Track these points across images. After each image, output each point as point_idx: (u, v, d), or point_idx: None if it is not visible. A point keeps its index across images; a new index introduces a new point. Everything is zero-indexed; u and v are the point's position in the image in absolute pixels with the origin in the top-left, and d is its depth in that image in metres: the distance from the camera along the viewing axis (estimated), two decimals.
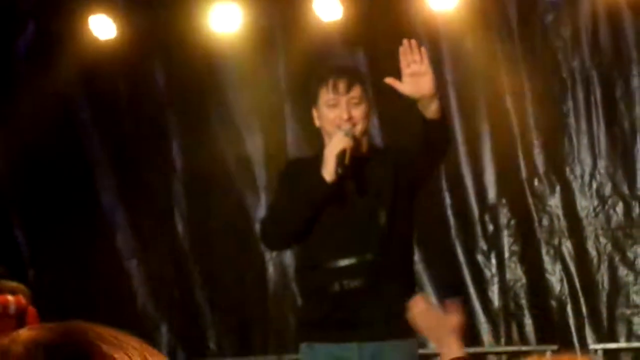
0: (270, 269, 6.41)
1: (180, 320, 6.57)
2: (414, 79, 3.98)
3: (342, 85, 4.07)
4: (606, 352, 5.89)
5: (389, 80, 4.03)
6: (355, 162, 3.94)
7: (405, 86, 3.99)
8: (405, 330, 3.57)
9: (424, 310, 2.97)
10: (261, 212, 6.15)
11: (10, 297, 5.12)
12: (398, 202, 3.92)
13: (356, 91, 4.07)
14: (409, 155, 4.00)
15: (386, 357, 3.82)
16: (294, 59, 6.29)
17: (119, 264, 6.61)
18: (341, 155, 3.89)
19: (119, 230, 6.66)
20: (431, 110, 3.93)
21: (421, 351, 4.27)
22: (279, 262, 6.42)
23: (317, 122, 4.10)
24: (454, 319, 2.88)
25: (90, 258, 6.57)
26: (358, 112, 4.03)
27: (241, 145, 6.50)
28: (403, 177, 3.95)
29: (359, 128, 4.01)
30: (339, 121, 4.00)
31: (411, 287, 3.92)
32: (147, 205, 6.63)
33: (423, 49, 3.96)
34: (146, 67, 6.60)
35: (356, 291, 3.83)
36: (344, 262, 3.87)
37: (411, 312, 2.97)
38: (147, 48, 6.52)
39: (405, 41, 3.97)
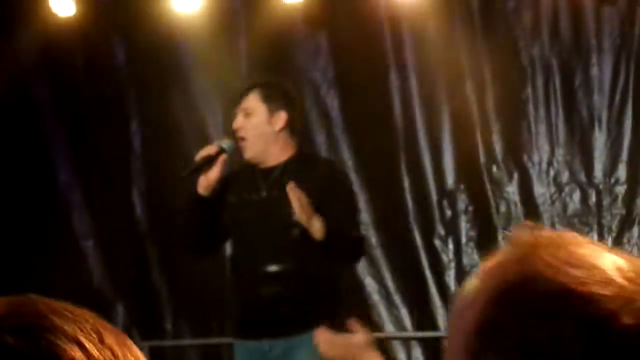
0: (228, 250, 6.39)
1: (137, 301, 6.54)
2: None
3: (236, 96, 4.12)
4: None
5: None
6: (266, 171, 3.96)
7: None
8: (315, 324, 3.70)
9: (328, 339, 3.00)
10: None
11: None
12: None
13: (248, 101, 4.05)
14: (326, 194, 3.95)
15: (296, 351, 3.94)
16: (256, 40, 6.27)
17: (75, 244, 6.57)
18: (200, 162, 3.96)
19: (75, 209, 6.61)
20: (312, 232, 3.89)
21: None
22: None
23: None
24: (361, 336, 2.90)
25: (46, 237, 6.52)
26: (244, 124, 4.00)
27: (202, 125, 6.47)
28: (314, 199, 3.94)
29: (245, 142, 4.00)
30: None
31: (326, 293, 3.99)
32: (104, 184, 6.58)
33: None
34: (106, 44, 6.55)
35: (273, 297, 3.89)
36: (264, 269, 3.92)
37: (318, 345, 3.01)
38: (106, 26, 6.46)
39: None
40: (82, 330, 0.85)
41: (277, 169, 4.04)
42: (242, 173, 4.17)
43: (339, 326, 4.00)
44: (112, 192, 6.58)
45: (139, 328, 6.48)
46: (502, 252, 1.00)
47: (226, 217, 4.06)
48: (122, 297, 6.54)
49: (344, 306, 4.08)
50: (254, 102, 4.07)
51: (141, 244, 6.52)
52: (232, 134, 4.16)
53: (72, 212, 6.60)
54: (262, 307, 3.94)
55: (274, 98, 4.09)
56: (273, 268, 3.92)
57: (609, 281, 0.94)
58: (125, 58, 6.57)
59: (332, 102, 6.32)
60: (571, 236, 1.00)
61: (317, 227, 3.86)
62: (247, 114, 4.05)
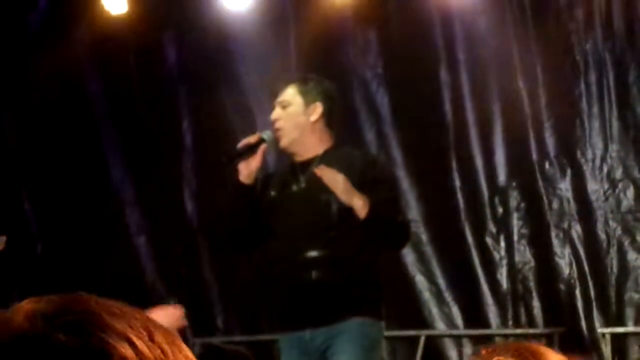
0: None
1: (188, 298, 6.57)
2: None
3: (275, 89, 4.22)
4: (614, 336, 5.88)
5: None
6: (304, 164, 4.06)
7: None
8: (355, 311, 3.85)
9: None
10: None
11: None
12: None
13: (285, 94, 4.15)
14: (366, 183, 4.01)
15: (336, 340, 3.97)
16: (306, 37, 6.27)
17: (128, 240, 6.62)
18: (241, 150, 4.08)
19: (127, 206, 6.66)
20: (355, 209, 3.96)
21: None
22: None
23: None
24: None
25: (99, 233, 6.58)
26: (281, 115, 4.10)
27: (252, 122, 6.49)
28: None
29: (281, 131, 4.09)
30: None
31: (366, 279, 4.02)
32: (156, 181, 6.62)
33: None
34: (157, 42, 6.59)
35: (314, 283, 3.92)
36: (304, 255, 3.95)
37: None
38: (158, 23, 6.50)
39: None
40: (132, 328, 0.86)
41: (315, 160, 4.11)
42: (282, 170, 4.30)
43: (379, 314, 4.04)
44: (164, 188, 6.62)
45: (191, 325, 6.51)
46: None
47: (267, 212, 4.12)
48: (173, 293, 6.58)
49: (384, 294, 4.12)
50: (290, 95, 4.15)
51: (192, 240, 6.56)
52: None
53: (125, 208, 6.66)
54: (303, 294, 4.00)
55: (310, 91, 4.16)
56: (313, 254, 3.98)
57: None
58: (177, 55, 6.61)
59: (382, 99, 6.30)
60: None
61: (360, 205, 3.91)
62: (284, 106, 4.14)
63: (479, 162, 6.18)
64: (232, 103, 6.55)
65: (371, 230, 3.97)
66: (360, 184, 3.96)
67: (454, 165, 6.19)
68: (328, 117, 4.16)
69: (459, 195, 6.18)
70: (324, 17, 6.16)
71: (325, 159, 4.09)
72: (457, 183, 6.18)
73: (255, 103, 6.51)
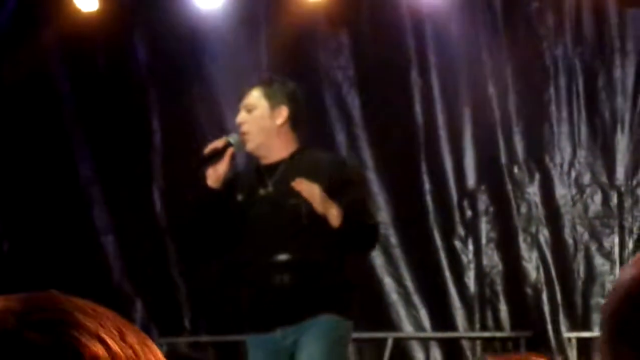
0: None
1: (156, 298, 6.55)
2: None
3: (241, 94, 4.22)
4: (580, 340, 5.92)
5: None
6: (270, 167, 4.07)
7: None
8: (324, 308, 3.89)
9: None
10: None
11: None
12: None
13: (250, 98, 4.15)
14: (334, 185, 4.02)
15: (304, 333, 4.01)
16: (277, 38, 6.26)
17: (95, 239, 6.59)
18: (209, 155, 4.06)
19: (95, 205, 6.62)
20: (330, 220, 3.98)
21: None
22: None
23: None
24: None
25: (66, 232, 6.54)
26: (246, 118, 4.09)
27: (222, 122, 6.48)
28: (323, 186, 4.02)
29: (246, 135, 4.10)
30: None
31: (336, 281, 4.05)
32: (124, 180, 6.59)
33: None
34: (127, 40, 6.56)
35: (284, 286, 3.93)
36: (273, 259, 3.98)
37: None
38: (129, 21, 6.47)
39: None
40: (104, 328, 0.85)
41: (281, 164, 4.12)
42: (248, 172, 4.30)
43: (348, 314, 4.05)
44: (132, 188, 6.59)
45: (158, 325, 6.49)
46: None
47: (235, 216, 4.12)
48: (140, 293, 6.56)
49: (355, 295, 4.13)
50: (255, 98, 4.16)
51: (160, 240, 6.53)
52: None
53: (93, 207, 6.62)
54: (272, 296, 4.02)
55: (276, 94, 4.16)
56: (282, 257, 3.99)
57: None
58: (146, 54, 6.59)
59: (353, 101, 6.31)
60: None
61: (334, 215, 3.93)
62: (249, 110, 4.14)
63: (448, 165, 6.20)
64: (202, 103, 6.53)
65: (341, 234, 3.98)
66: (328, 187, 3.98)
67: (424, 167, 6.21)
68: (294, 120, 4.18)
69: (428, 198, 6.20)
70: (296, 18, 6.16)
71: (292, 162, 4.11)
72: (427, 186, 6.20)
73: (226, 103, 6.50)
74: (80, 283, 6.33)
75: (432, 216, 6.19)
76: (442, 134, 6.20)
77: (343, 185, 4.03)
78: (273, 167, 4.13)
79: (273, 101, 4.13)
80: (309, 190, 3.92)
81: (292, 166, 4.08)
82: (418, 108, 6.23)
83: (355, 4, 6.19)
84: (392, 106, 6.26)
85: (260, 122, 4.09)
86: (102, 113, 6.62)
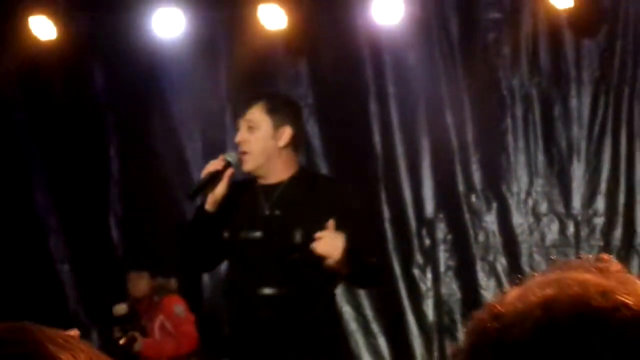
0: (206, 278, 6.36)
1: (112, 327, 6.49)
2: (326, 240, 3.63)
3: (241, 106, 3.85)
4: None
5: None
6: (268, 188, 3.79)
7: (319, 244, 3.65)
8: (309, 352, 3.59)
9: None
10: None
11: None
12: (314, 226, 3.64)
13: (252, 114, 3.82)
14: (339, 214, 3.64)
15: None
16: (236, 66, 6.27)
17: (51, 268, 6.52)
18: (207, 179, 3.71)
19: (51, 233, 6.56)
20: (341, 272, 3.64)
21: None
22: (216, 271, 6.37)
23: None
24: None
25: (22, 260, 6.46)
26: (248, 138, 3.78)
27: (180, 150, 6.45)
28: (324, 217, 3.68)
29: (247, 155, 3.75)
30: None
31: (324, 319, 3.75)
32: (81, 208, 6.54)
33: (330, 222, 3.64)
34: (85, 69, 6.53)
35: (268, 321, 3.73)
36: (260, 292, 3.77)
37: None
38: (87, 50, 6.45)
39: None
40: (76, 359, 0.84)
41: (280, 186, 3.84)
42: (244, 188, 3.91)
43: (339, 356, 3.83)
44: (89, 216, 6.54)
45: (114, 354, 6.42)
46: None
47: (226, 233, 3.81)
48: (96, 322, 6.49)
49: (343, 335, 3.89)
50: (258, 114, 3.81)
51: (117, 268, 6.48)
52: (236, 147, 3.99)
53: (49, 235, 6.55)
54: (256, 330, 3.74)
55: (279, 111, 3.82)
56: (269, 291, 3.68)
57: None
58: (105, 82, 6.56)
59: (312, 129, 6.32)
60: None
61: (345, 271, 3.61)
62: (251, 127, 3.82)
63: (407, 194, 6.22)
64: (160, 131, 6.50)
65: (346, 277, 3.70)
66: (330, 214, 3.64)
67: (383, 196, 6.22)
68: (296, 141, 3.84)
69: (388, 227, 6.21)
70: (255, 47, 6.17)
71: (291, 185, 3.84)
72: (386, 214, 6.21)
73: (184, 131, 6.48)
74: (36, 312, 6.25)
75: (391, 244, 6.20)
76: (401, 163, 6.23)
77: (347, 216, 3.67)
78: (271, 188, 3.81)
79: (277, 120, 3.79)
80: (331, 245, 3.53)
81: (291, 190, 3.78)
82: (377, 137, 6.26)
83: (314, 33, 6.21)
84: (352, 135, 6.28)
85: (262, 143, 3.75)
86: (59, 141, 6.57)
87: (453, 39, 6.20)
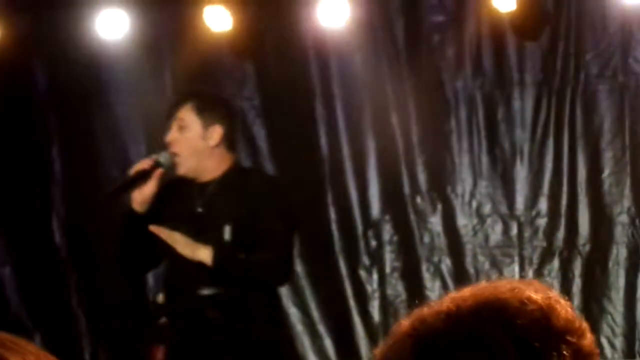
0: (150, 279, 6.32)
1: (54, 330, 6.42)
2: None
3: (172, 106, 3.87)
4: None
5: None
6: (201, 186, 3.81)
7: None
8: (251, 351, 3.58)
9: None
10: None
11: None
12: (244, 222, 3.70)
13: (182, 113, 3.84)
14: (259, 220, 3.72)
15: None
16: (181, 67, 6.24)
17: None
18: (132, 178, 3.74)
19: None
20: (202, 262, 3.73)
21: None
22: (159, 272, 6.33)
23: None
24: None
25: None
26: (178, 138, 3.81)
27: (124, 151, 6.41)
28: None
29: (178, 157, 3.77)
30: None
31: (262, 317, 3.78)
32: (22, 210, 6.46)
33: None
34: (27, 68, 6.46)
35: (208, 321, 3.71)
36: (198, 292, 3.74)
37: None
38: (28, 49, 6.37)
39: None
40: None
41: (212, 183, 3.86)
42: (178, 186, 3.95)
43: (279, 355, 3.84)
44: (31, 217, 6.47)
45: (58, 357, 6.34)
46: None
47: (159, 239, 3.85)
48: (39, 325, 6.42)
49: (285, 333, 3.90)
50: (188, 114, 3.85)
51: (60, 271, 6.41)
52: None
53: None
54: (197, 332, 3.74)
55: (209, 111, 3.87)
56: (206, 292, 3.72)
57: None
58: (47, 82, 6.49)
59: (259, 131, 6.31)
60: None
61: (203, 257, 3.69)
62: (181, 127, 3.84)
63: (353, 195, 6.24)
64: (103, 131, 6.46)
65: (224, 274, 3.70)
66: (255, 211, 3.71)
67: (329, 198, 6.24)
68: (229, 139, 3.89)
69: (334, 228, 6.22)
70: (200, 48, 6.14)
71: (224, 181, 3.84)
72: (332, 216, 6.23)
73: (127, 131, 6.44)
74: None
75: (337, 246, 6.21)
76: (347, 164, 6.24)
77: (269, 213, 3.76)
78: (204, 186, 3.84)
79: (206, 119, 3.83)
80: (168, 236, 3.64)
81: (222, 187, 3.83)
82: (323, 139, 6.26)
83: (260, 34, 6.20)
84: (298, 137, 6.28)
85: (192, 144, 3.80)
86: (0, 142, 6.49)
87: (398, 42, 6.23)
